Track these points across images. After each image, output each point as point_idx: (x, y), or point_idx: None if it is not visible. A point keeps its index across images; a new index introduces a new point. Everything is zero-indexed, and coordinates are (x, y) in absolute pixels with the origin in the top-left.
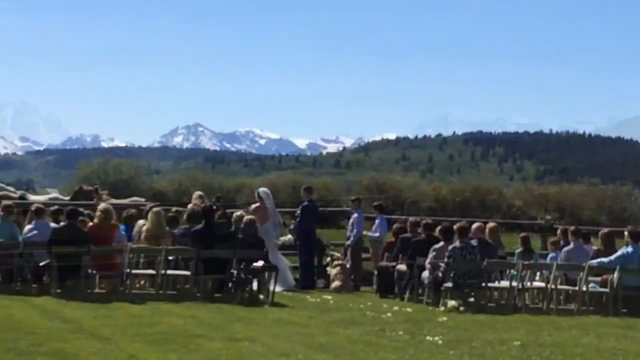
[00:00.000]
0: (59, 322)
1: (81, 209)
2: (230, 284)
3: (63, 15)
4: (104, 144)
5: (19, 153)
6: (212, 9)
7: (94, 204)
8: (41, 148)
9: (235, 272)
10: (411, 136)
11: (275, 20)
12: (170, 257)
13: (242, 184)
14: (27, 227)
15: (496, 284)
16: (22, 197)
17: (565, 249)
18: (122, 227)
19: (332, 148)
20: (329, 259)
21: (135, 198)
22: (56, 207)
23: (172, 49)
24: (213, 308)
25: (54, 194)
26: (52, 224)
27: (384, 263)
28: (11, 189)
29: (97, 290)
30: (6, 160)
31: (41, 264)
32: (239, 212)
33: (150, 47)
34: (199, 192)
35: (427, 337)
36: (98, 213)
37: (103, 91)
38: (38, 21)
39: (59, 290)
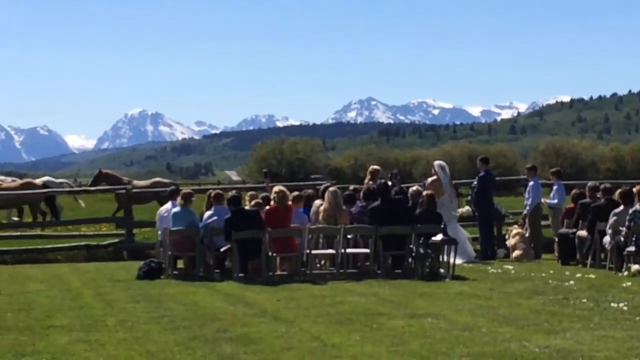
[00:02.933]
0: (242, 307)
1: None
2: (410, 260)
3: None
4: (279, 124)
5: (196, 137)
6: None
7: (265, 186)
8: (217, 131)
9: (414, 247)
10: (586, 97)
11: None
12: (349, 236)
13: (417, 155)
14: (207, 213)
15: None
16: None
17: None
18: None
19: (506, 114)
20: (510, 229)
21: (157, 179)
22: (234, 192)
23: (343, 24)
24: (394, 285)
25: (24, 179)
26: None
27: (564, 230)
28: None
29: (278, 272)
30: (184, 145)
31: (222, 249)
32: (415, 187)
33: (321, 23)
34: (374, 167)
35: (612, 304)
36: (273, 195)
37: (276, 70)
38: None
39: (241, 275)
